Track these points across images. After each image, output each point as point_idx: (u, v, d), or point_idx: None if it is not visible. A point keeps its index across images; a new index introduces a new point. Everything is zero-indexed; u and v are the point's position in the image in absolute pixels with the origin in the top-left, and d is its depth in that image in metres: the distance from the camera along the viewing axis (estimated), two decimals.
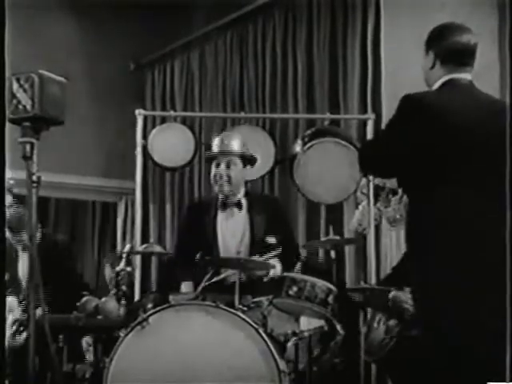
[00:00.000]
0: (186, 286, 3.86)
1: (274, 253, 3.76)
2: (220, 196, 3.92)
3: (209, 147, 4.11)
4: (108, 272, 6.00)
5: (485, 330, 2.68)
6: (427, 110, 2.77)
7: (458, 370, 2.68)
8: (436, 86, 2.91)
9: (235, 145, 3.98)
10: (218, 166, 3.89)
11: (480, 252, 2.70)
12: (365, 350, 3.86)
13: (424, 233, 2.76)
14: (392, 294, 3.72)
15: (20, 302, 4.77)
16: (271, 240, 3.87)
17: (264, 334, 3.30)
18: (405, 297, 3.65)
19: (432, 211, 2.75)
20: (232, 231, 3.88)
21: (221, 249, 3.84)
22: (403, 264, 3.78)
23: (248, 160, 3.97)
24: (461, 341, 2.68)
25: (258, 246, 3.84)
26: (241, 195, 3.93)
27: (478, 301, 2.68)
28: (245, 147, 4.00)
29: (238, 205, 3.90)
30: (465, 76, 2.88)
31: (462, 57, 2.88)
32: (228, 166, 3.88)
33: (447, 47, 2.88)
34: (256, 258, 3.71)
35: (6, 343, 4.44)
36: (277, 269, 3.80)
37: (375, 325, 3.89)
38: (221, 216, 3.90)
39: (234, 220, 3.90)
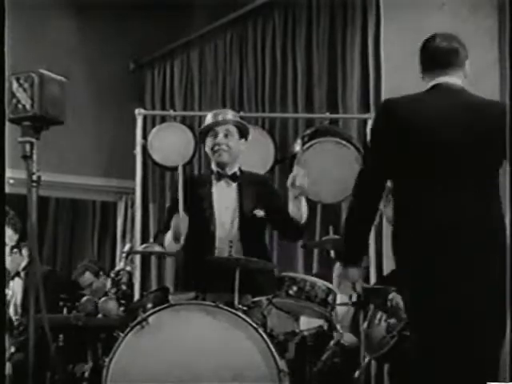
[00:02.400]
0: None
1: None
2: (216, 168, 3.90)
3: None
4: (87, 277, 5.97)
5: (471, 328, 2.70)
6: (397, 112, 2.82)
7: (453, 369, 2.71)
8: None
9: (230, 115, 3.98)
10: (215, 136, 3.87)
11: (462, 253, 2.73)
12: (365, 346, 3.87)
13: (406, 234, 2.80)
14: (391, 294, 3.73)
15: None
16: (259, 213, 3.85)
17: (264, 334, 3.30)
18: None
19: (413, 211, 2.79)
20: (226, 203, 3.87)
21: (217, 221, 3.83)
22: None
23: (243, 131, 3.95)
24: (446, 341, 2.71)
25: (246, 218, 3.82)
26: (236, 169, 3.92)
27: (462, 299, 2.70)
28: (237, 118, 4.02)
29: (233, 177, 3.89)
30: (449, 79, 2.91)
31: (440, 60, 2.92)
32: (226, 136, 3.87)
33: (427, 54, 2.96)
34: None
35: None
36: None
37: (376, 322, 3.90)
38: (216, 187, 3.90)
39: (227, 192, 3.88)
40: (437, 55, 2.93)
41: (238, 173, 3.92)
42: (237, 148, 3.91)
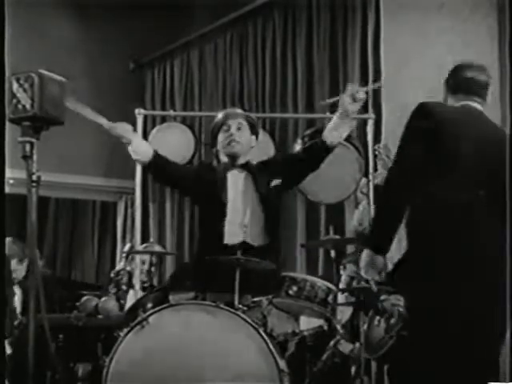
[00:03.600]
0: None
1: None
2: (227, 159, 3.90)
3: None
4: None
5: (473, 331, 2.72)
6: (439, 116, 2.89)
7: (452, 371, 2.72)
8: None
9: (240, 111, 4.04)
10: (228, 129, 3.89)
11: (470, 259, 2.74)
12: (365, 347, 3.87)
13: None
14: (383, 296, 3.73)
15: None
16: (276, 182, 3.84)
17: (264, 334, 3.30)
18: (394, 301, 3.67)
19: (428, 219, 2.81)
20: (240, 187, 3.85)
21: (229, 205, 3.81)
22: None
23: (253, 127, 3.97)
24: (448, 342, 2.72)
25: (265, 197, 3.81)
26: (248, 158, 3.92)
27: (467, 304, 2.72)
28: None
29: (244, 166, 3.89)
30: (474, 105, 3.04)
31: (471, 87, 3.06)
32: (239, 129, 3.89)
33: (456, 80, 3.10)
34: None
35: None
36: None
37: (375, 323, 3.90)
38: (230, 174, 3.88)
39: (241, 177, 3.87)
40: (473, 84, 3.07)
41: (250, 163, 3.94)
42: (248, 143, 3.92)
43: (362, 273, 3.34)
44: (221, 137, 3.92)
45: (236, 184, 3.88)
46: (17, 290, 5.21)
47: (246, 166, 3.90)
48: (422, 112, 2.93)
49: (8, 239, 5.09)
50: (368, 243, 3.04)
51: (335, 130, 3.74)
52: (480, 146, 2.89)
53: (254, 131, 3.97)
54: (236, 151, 3.87)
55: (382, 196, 3.11)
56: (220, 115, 3.98)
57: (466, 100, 3.05)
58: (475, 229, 2.79)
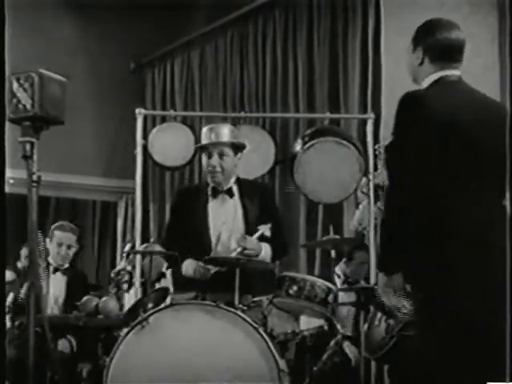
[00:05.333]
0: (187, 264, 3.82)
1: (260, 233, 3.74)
2: (211, 184, 3.91)
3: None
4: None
5: (480, 329, 2.70)
6: (427, 107, 2.72)
7: (455, 370, 2.70)
8: (426, 83, 2.88)
9: (225, 135, 3.91)
10: (210, 156, 3.86)
11: (476, 255, 2.71)
12: (365, 347, 3.87)
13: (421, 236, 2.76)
14: None
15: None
16: (266, 232, 3.82)
17: (264, 334, 3.30)
18: (398, 300, 3.66)
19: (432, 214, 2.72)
20: (224, 218, 3.86)
21: (212, 236, 3.83)
22: None
23: (238, 148, 3.94)
24: (456, 339, 2.70)
25: (251, 232, 3.79)
26: (231, 182, 3.91)
27: (474, 302, 2.69)
28: (233, 135, 3.96)
29: (229, 192, 3.89)
30: (454, 72, 2.85)
31: (451, 53, 2.85)
32: (221, 157, 3.86)
33: (436, 44, 2.86)
34: (256, 257, 3.70)
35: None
36: (267, 251, 3.79)
37: (376, 323, 3.90)
38: (212, 203, 3.89)
39: (225, 207, 3.88)
40: (454, 49, 2.85)
41: (235, 186, 3.91)
42: (231, 166, 3.89)
43: (381, 295, 3.25)
44: (203, 160, 3.91)
45: (219, 213, 3.88)
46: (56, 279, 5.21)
47: (231, 193, 3.90)
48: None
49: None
50: (380, 268, 2.85)
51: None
52: (461, 129, 2.68)
53: (238, 151, 3.93)
54: (218, 181, 3.87)
55: (385, 215, 2.87)
56: (204, 135, 3.93)
57: (446, 69, 2.82)
58: (477, 228, 2.74)
